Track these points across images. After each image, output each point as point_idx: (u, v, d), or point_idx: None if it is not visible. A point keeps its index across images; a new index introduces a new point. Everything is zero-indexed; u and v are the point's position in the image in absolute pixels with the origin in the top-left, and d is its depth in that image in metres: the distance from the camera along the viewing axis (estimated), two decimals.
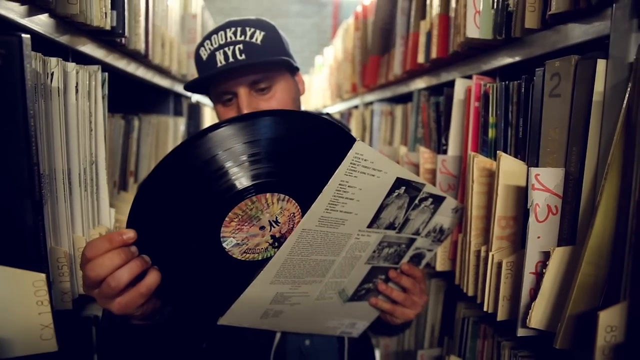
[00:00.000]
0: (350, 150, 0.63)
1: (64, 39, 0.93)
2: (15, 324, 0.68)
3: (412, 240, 0.90)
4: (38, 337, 0.69)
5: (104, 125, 1.05)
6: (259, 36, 0.96)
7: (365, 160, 0.65)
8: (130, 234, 0.64)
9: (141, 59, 1.42)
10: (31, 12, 0.80)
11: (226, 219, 0.66)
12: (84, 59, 1.04)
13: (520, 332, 0.79)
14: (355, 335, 0.99)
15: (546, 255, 0.76)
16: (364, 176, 0.67)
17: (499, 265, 0.87)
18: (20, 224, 0.72)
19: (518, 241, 0.89)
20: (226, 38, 0.96)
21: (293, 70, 1.03)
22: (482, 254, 0.94)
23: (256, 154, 0.63)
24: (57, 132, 0.87)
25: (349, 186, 0.67)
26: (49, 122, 0.85)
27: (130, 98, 1.75)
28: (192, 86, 0.99)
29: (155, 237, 0.65)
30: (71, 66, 0.91)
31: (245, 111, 0.93)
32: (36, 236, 0.74)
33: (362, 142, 0.63)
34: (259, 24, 0.99)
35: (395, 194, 0.75)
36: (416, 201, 0.81)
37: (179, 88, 2.06)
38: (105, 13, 1.02)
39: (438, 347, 1.38)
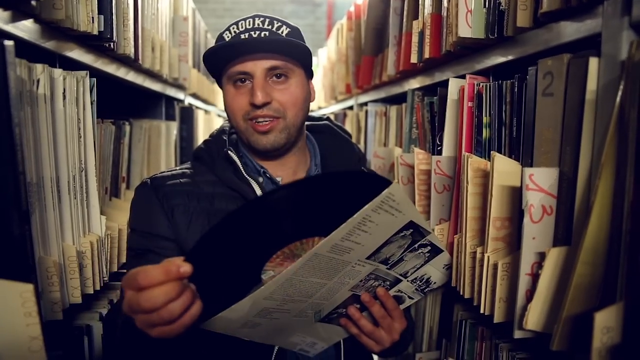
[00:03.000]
0: (386, 190, 0.65)
1: (50, 44, 0.91)
2: (2, 336, 0.66)
3: (397, 281, 0.90)
4: (26, 349, 0.68)
5: (93, 131, 1.04)
6: (284, 30, 0.96)
7: (393, 201, 0.68)
8: (187, 269, 0.63)
9: (131, 63, 1.41)
10: (15, 18, 0.79)
11: (273, 255, 0.73)
12: (72, 65, 1.02)
13: (517, 334, 0.78)
14: (310, 356, 0.98)
15: (542, 256, 0.75)
16: (385, 214, 0.70)
17: (495, 266, 0.86)
18: (6, 234, 0.70)
19: (514, 242, 0.88)
20: (253, 24, 0.95)
21: (309, 73, 1.02)
22: (478, 255, 0.93)
23: (310, 209, 0.71)
24: (45, 140, 0.86)
25: (369, 221, 0.69)
26: (36, 130, 0.84)
27: (121, 103, 1.73)
28: (210, 58, 0.95)
29: (206, 269, 0.68)
30: (58, 72, 0.90)
31: (259, 94, 0.91)
32: (23, 246, 0.72)
33: (398, 185, 0.67)
34: (286, 22, 0.98)
35: (402, 234, 0.76)
36: (416, 245, 0.82)
37: (171, 92, 2.04)
38: (92, 18, 1.01)
39: (436, 350, 1.37)
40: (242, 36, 0.94)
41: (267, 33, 0.94)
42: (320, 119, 1.16)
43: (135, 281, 0.62)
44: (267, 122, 0.94)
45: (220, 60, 0.95)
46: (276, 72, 0.93)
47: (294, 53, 0.95)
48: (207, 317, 0.72)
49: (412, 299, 0.96)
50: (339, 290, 0.84)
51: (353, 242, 0.72)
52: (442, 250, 0.88)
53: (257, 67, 0.92)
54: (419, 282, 0.92)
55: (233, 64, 0.93)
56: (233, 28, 0.96)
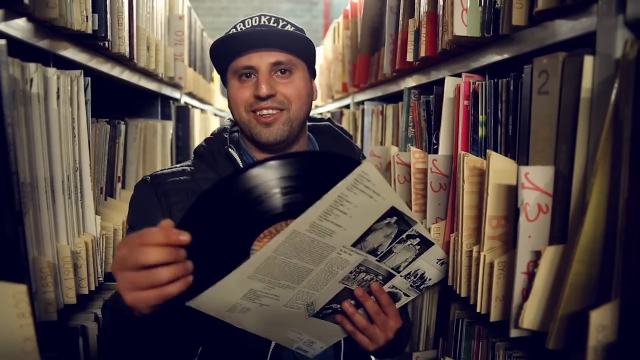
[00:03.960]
0: (357, 168, 0.66)
1: (43, 43, 0.91)
2: None
3: (390, 275, 0.90)
4: (20, 350, 0.67)
5: (87, 130, 1.03)
6: (290, 29, 0.97)
7: (368, 181, 0.69)
8: (186, 238, 0.65)
9: (126, 62, 1.40)
10: (7, 17, 0.78)
11: (260, 234, 0.76)
12: (66, 64, 1.02)
13: (513, 332, 0.78)
14: (309, 356, 0.98)
15: (537, 255, 0.75)
16: (362, 195, 0.70)
17: (491, 265, 0.86)
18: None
19: (510, 241, 0.88)
20: (259, 22, 0.97)
21: (312, 72, 1.04)
22: (474, 254, 0.93)
23: (289, 187, 0.73)
24: (39, 140, 0.85)
25: (346, 201, 0.70)
26: (30, 130, 0.83)
27: (117, 103, 1.73)
28: (217, 51, 0.96)
29: (197, 243, 0.69)
30: (51, 71, 0.89)
31: (263, 87, 0.92)
32: (16, 247, 0.72)
33: (370, 164, 0.67)
34: (291, 22, 1.00)
35: (386, 221, 0.77)
36: (403, 236, 0.82)
37: (167, 91, 2.04)
38: (87, 16, 1.00)
39: (433, 349, 1.37)
40: (250, 31, 0.96)
41: (274, 31, 0.96)
42: (321, 119, 1.16)
43: (137, 237, 0.64)
44: (270, 115, 0.95)
45: (226, 53, 0.95)
46: (281, 67, 0.95)
47: (299, 49, 0.96)
48: (194, 295, 0.73)
49: (407, 296, 0.96)
50: (328, 281, 0.84)
51: (333, 224, 0.73)
52: (432, 243, 0.88)
53: (263, 61, 0.93)
54: (413, 277, 0.92)
55: (238, 58, 0.94)
56: (239, 25, 0.98)
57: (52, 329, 1.01)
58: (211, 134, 1.07)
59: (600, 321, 0.59)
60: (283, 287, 0.81)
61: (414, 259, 0.89)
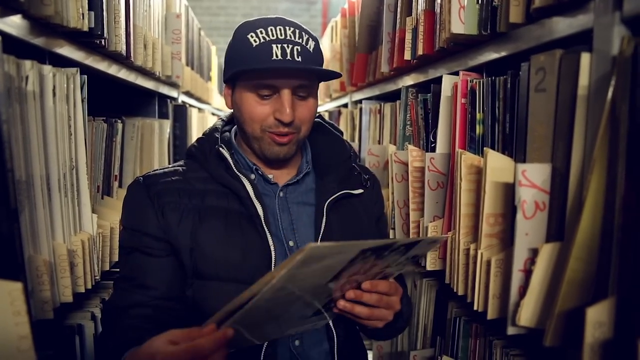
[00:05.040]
0: (302, 252, 0.62)
1: (39, 41, 0.90)
2: None
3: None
4: (15, 349, 0.67)
5: (84, 129, 1.03)
6: (311, 44, 0.97)
7: (319, 257, 0.66)
8: (231, 332, 0.72)
9: (123, 60, 1.39)
10: (3, 14, 0.78)
11: None
12: (62, 62, 1.01)
13: (510, 330, 0.78)
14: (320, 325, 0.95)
15: (534, 252, 0.75)
16: (318, 264, 0.67)
17: (488, 263, 0.86)
18: None
19: (507, 238, 0.88)
20: (285, 34, 0.94)
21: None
22: (472, 252, 0.93)
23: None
24: (34, 137, 0.85)
25: (300, 275, 0.67)
26: (25, 127, 0.83)
27: (114, 101, 1.72)
28: (235, 70, 0.94)
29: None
30: (47, 69, 0.88)
31: (288, 111, 0.92)
32: (12, 244, 0.72)
33: (317, 246, 0.63)
34: (310, 32, 0.99)
35: (360, 258, 0.73)
36: (385, 253, 0.78)
37: (164, 90, 2.03)
38: (83, 14, 1.00)
39: (431, 347, 1.37)
40: (274, 47, 0.92)
41: (299, 48, 0.94)
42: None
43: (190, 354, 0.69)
44: (285, 136, 0.95)
45: (251, 63, 0.93)
46: (302, 90, 0.95)
47: (320, 72, 0.97)
48: None
49: (401, 270, 0.91)
50: (314, 295, 0.81)
51: (297, 287, 0.70)
52: (418, 241, 0.82)
53: (287, 84, 0.93)
54: (404, 261, 0.87)
55: (263, 74, 0.93)
56: (261, 33, 0.94)
57: (49, 328, 1.00)
58: (202, 134, 1.06)
59: (597, 318, 0.59)
60: (268, 323, 0.80)
61: (402, 256, 0.84)
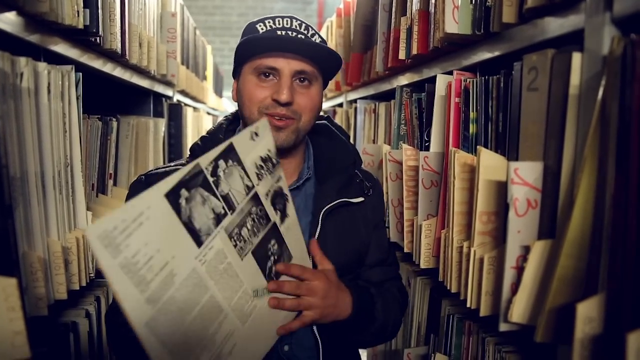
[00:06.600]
0: (90, 242, 0.58)
1: (34, 38, 0.90)
2: None
3: (254, 197, 0.78)
4: (10, 344, 0.67)
5: (78, 126, 1.03)
6: (317, 39, 0.98)
7: (115, 229, 0.60)
8: None
9: (118, 58, 1.39)
10: None
11: None
12: (57, 59, 1.01)
13: (503, 327, 0.79)
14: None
15: (526, 250, 0.76)
16: (134, 236, 0.61)
17: (481, 260, 0.86)
18: None
19: (500, 236, 0.89)
20: (291, 24, 0.97)
21: (325, 85, 1.05)
22: (465, 249, 0.94)
23: None
24: (29, 134, 0.85)
25: (132, 257, 0.61)
26: (20, 124, 0.82)
27: (109, 99, 1.72)
28: (247, 46, 0.94)
29: None
30: (42, 66, 0.88)
31: (285, 93, 0.92)
32: (6, 241, 0.72)
33: (93, 225, 0.60)
34: (319, 34, 1.01)
35: (183, 203, 0.66)
36: (211, 179, 0.70)
37: (159, 88, 2.03)
38: (78, 11, 1.00)
39: (424, 345, 1.37)
40: (279, 33, 0.95)
41: (302, 37, 0.96)
42: (320, 117, 1.15)
43: None
44: (282, 120, 0.95)
45: (252, 48, 0.95)
46: (302, 75, 0.95)
47: (323, 63, 0.97)
48: None
49: (280, 179, 0.84)
50: (234, 274, 0.75)
51: (161, 272, 0.65)
52: (230, 145, 0.74)
53: (288, 66, 0.93)
54: (262, 170, 0.81)
55: (264, 57, 0.94)
56: (268, 22, 0.97)
57: (43, 325, 1.00)
58: (207, 132, 1.06)
59: (587, 313, 0.60)
60: (220, 329, 0.74)
61: (243, 167, 0.76)
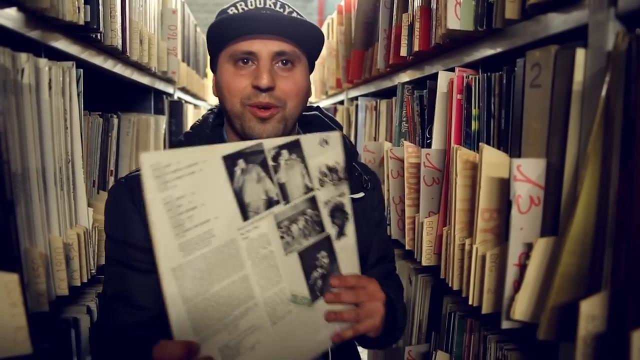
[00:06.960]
0: (142, 169, 0.60)
1: (34, 34, 0.90)
2: None
3: (312, 200, 0.78)
4: (11, 340, 0.67)
5: (80, 123, 1.03)
6: (297, 16, 0.89)
7: (168, 166, 0.62)
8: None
9: (118, 55, 1.39)
10: None
11: None
12: (58, 55, 1.01)
13: (505, 324, 0.79)
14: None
15: (529, 247, 0.75)
16: (183, 181, 0.62)
17: (483, 258, 0.86)
18: None
19: (502, 233, 0.88)
20: (264, 4, 0.88)
21: (312, 66, 0.96)
22: (467, 247, 0.94)
23: None
24: (30, 130, 0.84)
25: (177, 199, 0.62)
26: (21, 120, 0.82)
27: (110, 96, 1.72)
28: (216, 31, 0.87)
29: None
30: (43, 62, 0.88)
31: (265, 77, 0.84)
32: (7, 237, 0.71)
33: (149, 153, 0.61)
34: (299, 12, 0.92)
35: (238, 172, 0.67)
36: (271, 163, 0.71)
37: (160, 85, 2.03)
38: (78, 7, 0.99)
39: (426, 342, 1.37)
40: (252, 14, 0.86)
41: (278, 15, 0.87)
42: (310, 108, 1.10)
43: None
44: (267, 110, 0.87)
45: (224, 34, 0.86)
46: (283, 57, 0.87)
47: (305, 41, 0.89)
48: None
49: (343, 194, 0.82)
50: (275, 265, 0.73)
51: (200, 225, 0.66)
52: (297, 140, 0.74)
53: (266, 48, 0.85)
54: (326, 178, 0.80)
55: (238, 42, 0.85)
56: (240, 4, 0.88)
57: (44, 321, 1.00)
58: (190, 128, 0.98)
59: (590, 311, 0.60)
60: (245, 315, 0.70)
61: (306, 168, 0.77)
